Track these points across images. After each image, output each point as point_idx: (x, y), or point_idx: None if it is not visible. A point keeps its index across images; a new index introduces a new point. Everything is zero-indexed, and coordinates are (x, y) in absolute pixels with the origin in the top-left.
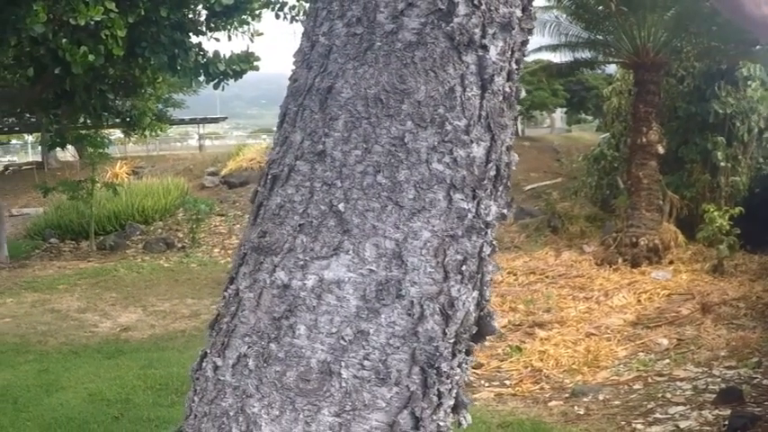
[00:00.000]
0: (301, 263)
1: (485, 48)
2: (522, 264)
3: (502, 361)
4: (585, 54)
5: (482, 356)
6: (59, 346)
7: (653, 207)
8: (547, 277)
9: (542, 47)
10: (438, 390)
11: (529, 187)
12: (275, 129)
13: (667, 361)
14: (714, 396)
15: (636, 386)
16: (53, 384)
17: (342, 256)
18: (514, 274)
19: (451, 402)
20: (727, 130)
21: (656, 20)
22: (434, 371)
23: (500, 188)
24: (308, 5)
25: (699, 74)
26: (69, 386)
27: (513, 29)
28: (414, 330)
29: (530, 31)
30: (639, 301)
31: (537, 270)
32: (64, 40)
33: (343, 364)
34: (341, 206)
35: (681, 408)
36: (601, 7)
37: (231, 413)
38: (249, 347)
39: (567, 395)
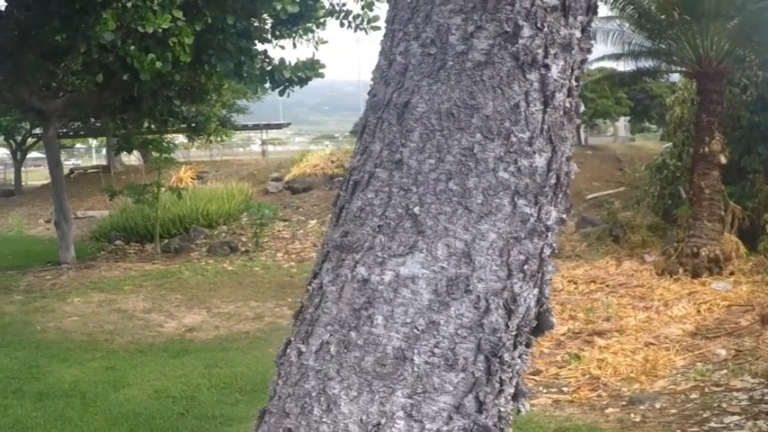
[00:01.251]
0: (380, 260)
1: (547, 67)
2: (583, 272)
3: (560, 368)
4: (648, 63)
5: (541, 363)
6: (126, 345)
7: (715, 217)
8: (607, 286)
9: (605, 56)
10: (500, 377)
11: (591, 196)
12: (338, 135)
13: (725, 371)
14: None
15: (692, 395)
16: (120, 381)
17: (416, 254)
18: (575, 283)
19: (512, 390)
20: None
21: (718, 29)
22: (497, 359)
23: (560, 195)
24: (372, 14)
25: (762, 83)
26: (136, 383)
27: (573, 49)
28: (480, 322)
29: (588, 51)
30: (699, 311)
31: (597, 279)
32: (132, 48)
33: (415, 351)
34: (416, 209)
35: (736, 417)
36: (663, 16)
37: (314, 394)
38: (331, 335)
39: (623, 403)
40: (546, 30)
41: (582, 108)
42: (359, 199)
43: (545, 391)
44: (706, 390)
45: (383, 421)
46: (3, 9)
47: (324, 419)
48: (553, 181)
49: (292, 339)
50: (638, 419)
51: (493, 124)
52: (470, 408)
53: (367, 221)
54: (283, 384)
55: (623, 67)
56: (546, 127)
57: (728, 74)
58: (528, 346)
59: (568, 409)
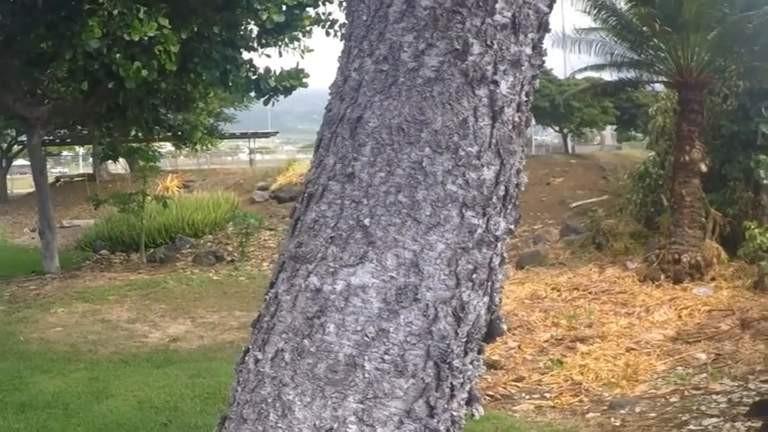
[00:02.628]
0: (332, 270)
1: (496, 83)
2: (566, 280)
3: (543, 374)
4: (630, 74)
5: (524, 370)
6: (109, 356)
7: (696, 224)
8: (590, 293)
9: (588, 66)
10: (451, 383)
11: (575, 204)
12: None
13: (704, 375)
14: (747, 408)
15: (672, 399)
16: (103, 392)
17: (367, 264)
18: (558, 290)
19: (465, 395)
20: None
21: (699, 40)
22: (447, 366)
23: (509, 206)
24: None
25: (742, 93)
26: (119, 394)
27: (523, 65)
28: (428, 330)
29: (540, 67)
30: (680, 316)
31: (580, 286)
32: (118, 55)
33: (366, 357)
34: (367, 221)
35: (714, 420)
36: (645, 27)
37: (269, 400)
38: (286, 343)
39: (604, 407)
40: (496, 47)
41: (533, 122)
42: (313, 211)
43: (527, 397)
44: (686, 393)
45: (336, 426)
46: None
47: (279, 425)
48: (502, 193)
49: (250, 347)
50: (618, 424)
51: (442, 139)
52: (421, 412)
53: (320, 233)
54: (241, 391)
55: (609, 76)
56: (494, 141)
57: (709, 84)
58: (480, 352)
59: (550, 414)
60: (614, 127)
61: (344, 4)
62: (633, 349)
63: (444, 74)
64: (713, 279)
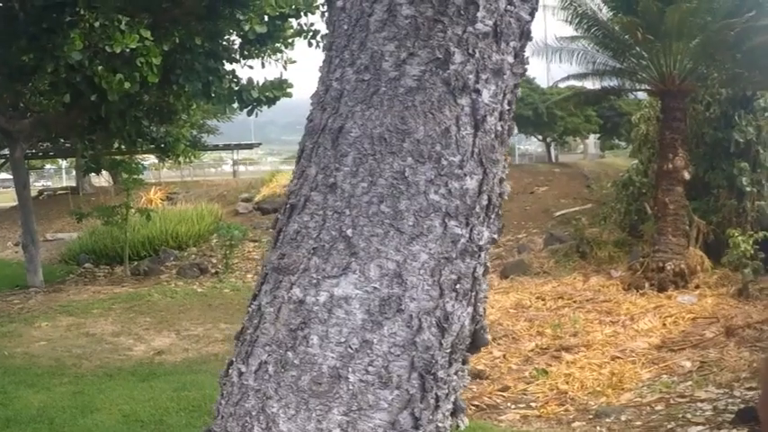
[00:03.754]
0: (315, 281)
1: (478, 92)
2: (551, 289)
3: (528, 384)
4: (613, 82)
5: (509, 379)
6: (94, 369)
7: (679, 232)
8: (575, 302)
9: (570, 75)
10: (436, 394)
11: (558, 213)
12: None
13: (690, 383)
14: (732, 416)
15: (658, 407)
16: (88, 406)
17: (350, 275)
18: (543, 299)
19: (449, 406)
20: (753, 156)
21: (681, 48)
22: (431, 377)
23: (492, 216)
24: None
25: (724, 101)
26: (104, 408)
27: (505, 74)
28: (412, 341)
29: (522, 75)
30: (665, 324)
31: (565, 295)
32: (100, 68)
33: (350, 369)
34: (349, 232)
35: (700, 428)
36: (627, 36)
37: (253, 413)
38: (269, 355)
39: (590, 416)
40: (477, 56)
41: (515, 130)
42: (295, 222)
43: (513, 406)
44: (671, 401)
45: None
46: None
47: None
48: (485, 202)
49: (234, 360)
50: None
51: (424, 148)
52: (406, 424)
53: (303, 244)
54: (225, 404)
55: (592, 85)
56: (477, 150)
57: (692, 92)
58: (464, 363)
59: (536, 423)
60: (597, 135)
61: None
62: (618, 358)
63: (426, 83)
64: (697, 287)
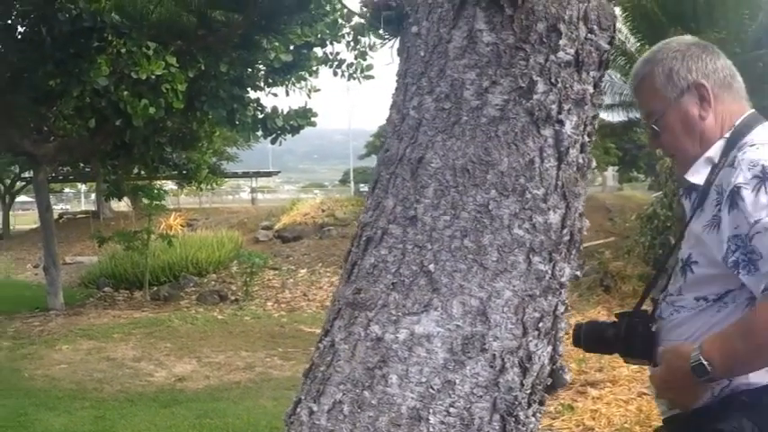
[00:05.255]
0: (394, 318)
1: (561, 122)
2: (575, 323)
3: (554, 419)
4: (639, 114)
5: None
6: (115, 394)
7: None
8: None
9: None
10: None
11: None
12: (327, 184)
13: None
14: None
15: None
16: (109, 431)
17: (431, 312)
18: (567, 333)
19: None
20: None
21: None
22: (513, 419)
23: (573, 251)
24: (365, 63)
25: None
26: None
27: (586, 104)
28: (495, 381)
29: (600, 106)
30: None
31: None
32: (125, 93)
33: (431, 410)
34: (431, 267)
35: None
36: None
37: None
38: (344, 394)
39: None
40: (560, 85)
41: (594, 164)
42: (372, 255)
43: None
44: None
45: None
46: None
47: None
48: (567, 237)
49: (302, 398)
50: None
51: (508, 181)
52: None
53: (380, 278)
54: None
55: (614, 117)
56: (560, 183)
57: None
58: (541, 403)
59: None
60: (616, 168)
61: (352, 43)
62: (645, 394)
63: (509, 113)
64: None
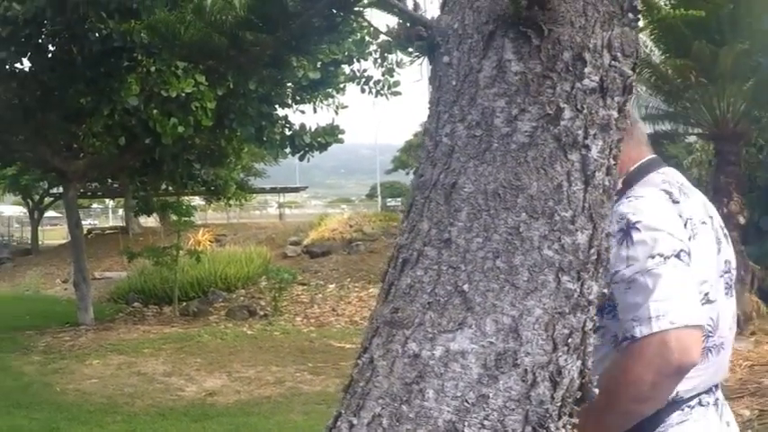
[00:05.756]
0: (430, 335)
1: (587, 147)
2: None
3: None
4: (666, 126)
5: None
6: (146, 408)
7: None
8: None
9: None
10: None
11: None
12: (354, 199)
13: None
14: None
15: None
16: None
17: (466, 330)
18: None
19: None
20: None
21: (735, 90)
22: (544, 430)
23: (600, 270)
24: (392, 80)
25: None
26: None
27: (611, 129)
28: (527, 395)
29: (624, 130)
30: None
31: None
32: (155, 111)
33: (466, 423)
34: (465, 287)
35: None
36: (680, 79)
37: None
38: (383, 408)
39: None
40: (585, 111)
41: (619, 185)
42: (408, 276)
43: None
44: None
45: None
46: (27, 69)
47: None
48: (594, 257)
49: (342, 412)
50: None
51: (537, 204)
52: None
53: (417, 298)
54: None
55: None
56: (587, 205)
57: (746, 135)
58: (571, 416)
59: None
60: None
61: (379, 60)
62: None
63: (538, 139)
64: (753, 333)
